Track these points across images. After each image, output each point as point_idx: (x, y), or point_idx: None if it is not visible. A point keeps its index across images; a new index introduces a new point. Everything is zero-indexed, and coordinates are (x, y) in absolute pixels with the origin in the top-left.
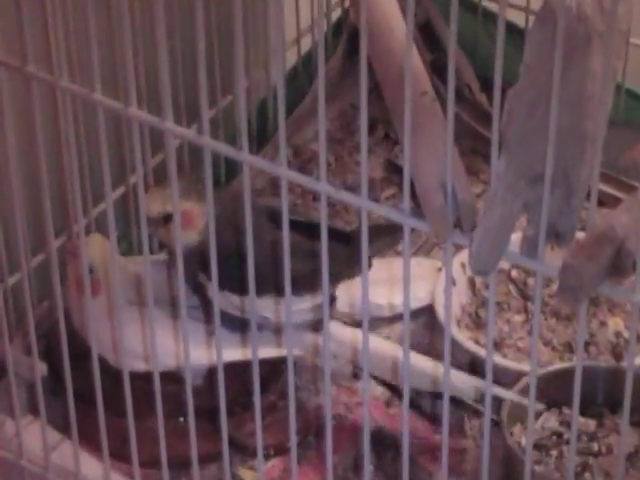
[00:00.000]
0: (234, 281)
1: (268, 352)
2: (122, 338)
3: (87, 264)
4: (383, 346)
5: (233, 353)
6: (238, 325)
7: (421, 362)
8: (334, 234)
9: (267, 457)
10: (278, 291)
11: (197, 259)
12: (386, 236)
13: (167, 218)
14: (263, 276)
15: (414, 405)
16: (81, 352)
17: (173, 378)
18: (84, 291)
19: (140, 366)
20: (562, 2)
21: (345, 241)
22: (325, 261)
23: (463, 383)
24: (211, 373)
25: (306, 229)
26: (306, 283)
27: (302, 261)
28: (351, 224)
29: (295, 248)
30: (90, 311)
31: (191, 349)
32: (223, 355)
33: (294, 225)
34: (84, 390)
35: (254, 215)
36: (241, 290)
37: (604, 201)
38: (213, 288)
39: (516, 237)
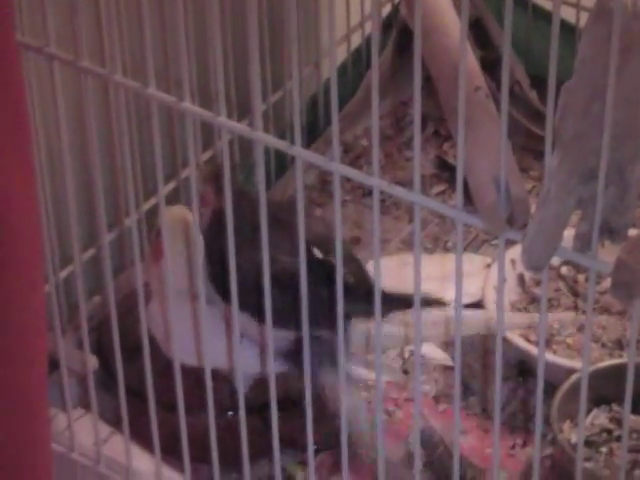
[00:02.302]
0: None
1: None
2: (174, 328)
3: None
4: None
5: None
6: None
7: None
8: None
9: (316, 452)
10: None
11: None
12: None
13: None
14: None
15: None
16: (131, 346)
17: (222, 375)
18: (154, 256)
19: (191, 361)
20: None
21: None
22: (378, 270)
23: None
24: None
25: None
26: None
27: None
28: (401, 219)
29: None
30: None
31: (243, 356)
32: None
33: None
34: (134, 384)
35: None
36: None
37: None
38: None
39: (568, 233)
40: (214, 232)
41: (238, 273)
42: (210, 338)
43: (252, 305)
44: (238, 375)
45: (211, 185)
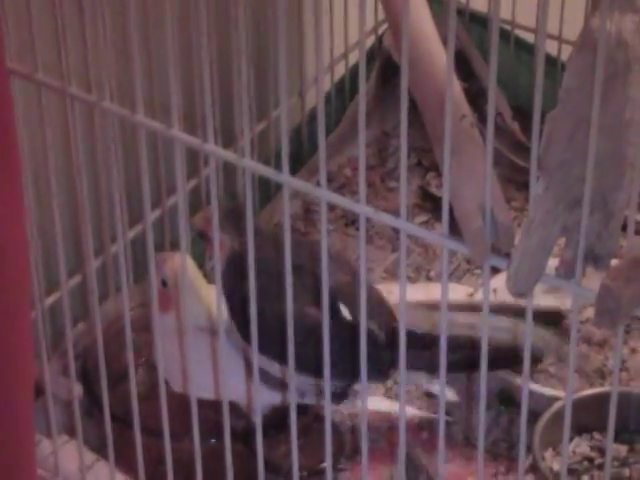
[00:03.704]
0: (272, 347)
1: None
2: (190, 363)
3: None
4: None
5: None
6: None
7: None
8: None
9: (300, 479)
10: (317, 373)
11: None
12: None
13: (200, 235)
14: (304, 354)
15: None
16: (115, 373)
17: (205, 402)
18: (159, 306)
19: (208, 395)
20: (602, 28)
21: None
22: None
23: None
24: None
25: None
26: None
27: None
28: (384, 249)
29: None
30: (156, 328)
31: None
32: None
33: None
34: (119, 411)
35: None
36: (280, 358)
37: None
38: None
39: (552, 262)
40: (232, 275)
41: (260, 318)
42: (228, 372)
43: (275, 350)
44: (257, 406)
45: (224, 227)
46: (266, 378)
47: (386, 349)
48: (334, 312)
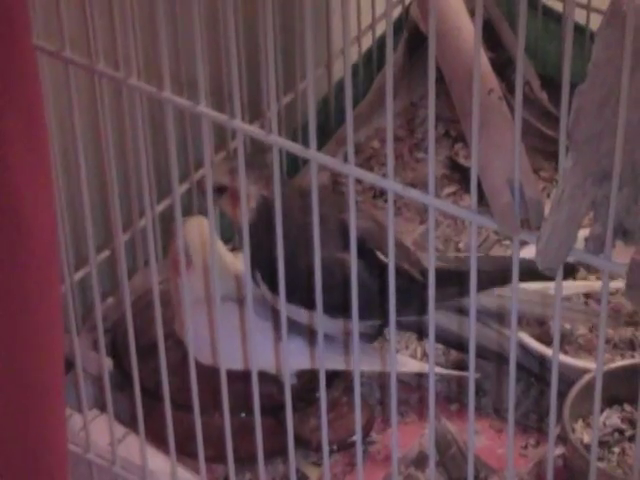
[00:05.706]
0: (299, 293)
1: (337, 364)
2: (219, 333)
3: (182, 244)
4: None
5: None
6: (305, 333)
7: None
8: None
9: (330, 452)
10: (341, 312)
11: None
12: (453, 285)
13: (220, 190)
14: (338, 298)
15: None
16: (145, 347)
17: (235, 376)
18: (177, 272)
19: (237, 365)
20: (631, 1)
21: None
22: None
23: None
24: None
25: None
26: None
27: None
28: (412, 221)
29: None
30: (185, 297)
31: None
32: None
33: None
34: (149, 385)
35: (327, 233)
36: (308, 304)
37: None
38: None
39: (582, 235)
40: (261, 226)
41: (291, 266)
42: (256, 340)
43: (306, 297)
44: (285, 372)
45: (249, 177)
46: (294, 339)
47: (422, 286)
48: (372, 255)
